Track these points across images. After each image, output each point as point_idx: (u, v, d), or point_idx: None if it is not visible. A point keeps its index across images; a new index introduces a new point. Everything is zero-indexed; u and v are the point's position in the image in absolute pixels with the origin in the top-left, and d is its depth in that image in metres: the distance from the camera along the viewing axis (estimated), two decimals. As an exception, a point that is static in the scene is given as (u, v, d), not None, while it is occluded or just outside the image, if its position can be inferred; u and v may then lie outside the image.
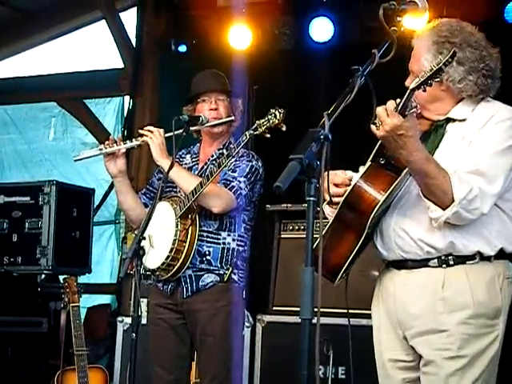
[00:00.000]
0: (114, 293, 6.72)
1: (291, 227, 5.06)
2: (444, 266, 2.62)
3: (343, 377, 4.46)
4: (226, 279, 3.64)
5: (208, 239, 3.65)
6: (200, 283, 3.63)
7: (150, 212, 3.36)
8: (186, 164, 3.86)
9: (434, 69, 2.35)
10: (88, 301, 6.87)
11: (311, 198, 1.90)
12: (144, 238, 3.25)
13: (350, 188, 2.59)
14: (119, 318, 5.10)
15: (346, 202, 2.61)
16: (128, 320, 4.86)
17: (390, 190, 2.57)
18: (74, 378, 4.58)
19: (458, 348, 2.57)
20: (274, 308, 4.93)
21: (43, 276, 5.57)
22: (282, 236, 5.09)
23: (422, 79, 2.37)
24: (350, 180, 2.69)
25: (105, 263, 7.95)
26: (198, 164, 3.84)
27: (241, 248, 3.71)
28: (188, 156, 3.89)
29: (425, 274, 2.65)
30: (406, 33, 2.46)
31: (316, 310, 1.93)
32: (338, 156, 2.33)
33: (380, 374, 2.82)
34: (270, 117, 3.43)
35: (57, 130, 8.31)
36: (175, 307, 3.68)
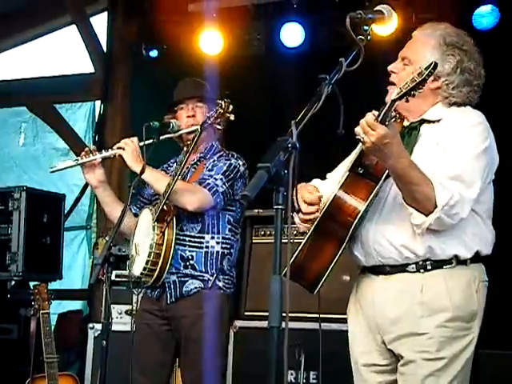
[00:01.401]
0: (86, 299, 6.67)
1: (263, 232, 5.08)
2: (422, 270, 2.65)
3: (314, 381, 4.48)
4: (210, 286, 3.62)
5: (190, 243, 3.63)
6: (184, 289, 3.61)
7: (120, 218, 3.35)
8: (172, 171, 3.85)
9: (417, 80, 2.35)
10: (59, 307, 6.83)
11: (279, 207, 1.92)
12: (115, 245, 3.25)
13: (329, 199, 2.60)
14: (90, 325, 5.07)
15: (327, 213, 2.62)
16: (99, 326, 4.84)
17: (370, 198, 2.60)
18: (45, 386, 4.55)
19: (436, 350, 2.61)
20: (246, 313, 4.93)
21: (13, 282, 5.52)
22: (254, 241, 5.10)
23: (404, 90, 2.37)
24: (320, 198, 2.71)
25: (76, 269, 7.92)
26: None
27: (226, 251, 3.68)
28: (174, 164, 3.88)
29: (403, 279, 2.68)
30: (373, 41, 2.48)
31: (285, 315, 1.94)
32: (308, 160, 2.35)
33: (356, 379, 2.84)
34: (216, 107, 3.49)
35: (27, 135, 8.26)
36: (160, 313, 3.66)
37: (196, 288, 3.61)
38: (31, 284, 5.34)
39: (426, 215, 2.53)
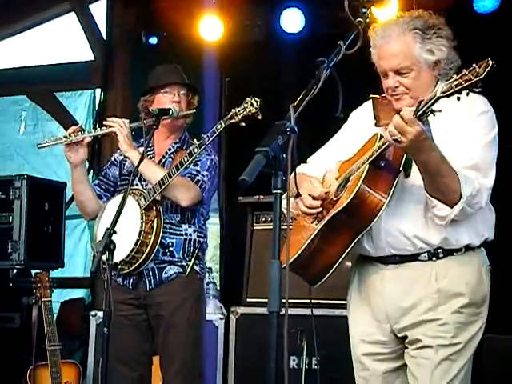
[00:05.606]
0: (88, 287, 6.69)
1: (264, 219, 5.07)
2: (434, 258, 2.65)
3: (317, 367, 4.48)
4: (188, 271, 3.67)
5: (171, 231, 3.67)
6: (163, 275, 3.64)
7: (121, 205, 3.33)
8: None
9: (473, 79, 2.20)
10: (61, 295, 6.84)
11: (278, 191, 1.90)
12: (115, 232, 3.23)
13: (352, 194, 2.55)
14: (92, 312, 5.08)
15: (348, 207, 2.56)
16: (101, 314, 4.83)
17: (392, 191, 2.57)
18: (47, 374, 4.55)
19: (451, 336, 2.62)
20: (248, 300, 4.94)
21: (15, 271, 5.52)
22: (255, 228, 5.09)
23: (455, 88, 2.24)
24: (326, 193, 2.68)
25: (78, 257, 7.92)
26: (154, 157, 3.80)
27: (201, 239, 3.74)
28: (141, 149, 3.77)
29: (416, 267, 2.67)
30: (372, 24, 2.46)
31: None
32: (306, 143, 2.34)
33: (356, 367, 2.83)
34: (246, 105, 3.44)
35: (27, 123, 8.24)
36: (137, 301, 3.67)
37: (175, 273, 3.65)
38: (33, 272, 5.34)
39: (451, 207, 2.51)
